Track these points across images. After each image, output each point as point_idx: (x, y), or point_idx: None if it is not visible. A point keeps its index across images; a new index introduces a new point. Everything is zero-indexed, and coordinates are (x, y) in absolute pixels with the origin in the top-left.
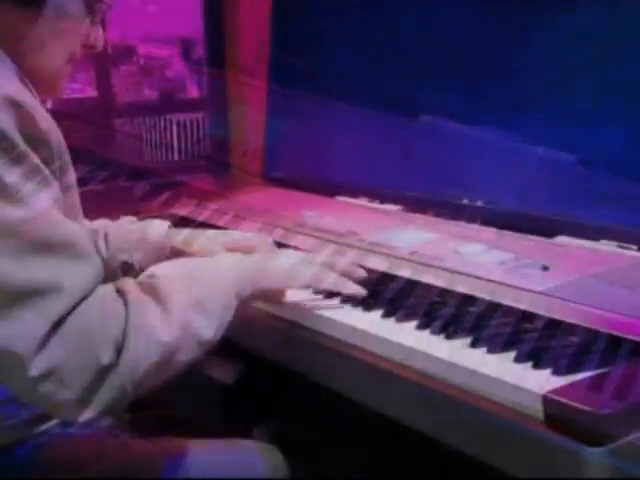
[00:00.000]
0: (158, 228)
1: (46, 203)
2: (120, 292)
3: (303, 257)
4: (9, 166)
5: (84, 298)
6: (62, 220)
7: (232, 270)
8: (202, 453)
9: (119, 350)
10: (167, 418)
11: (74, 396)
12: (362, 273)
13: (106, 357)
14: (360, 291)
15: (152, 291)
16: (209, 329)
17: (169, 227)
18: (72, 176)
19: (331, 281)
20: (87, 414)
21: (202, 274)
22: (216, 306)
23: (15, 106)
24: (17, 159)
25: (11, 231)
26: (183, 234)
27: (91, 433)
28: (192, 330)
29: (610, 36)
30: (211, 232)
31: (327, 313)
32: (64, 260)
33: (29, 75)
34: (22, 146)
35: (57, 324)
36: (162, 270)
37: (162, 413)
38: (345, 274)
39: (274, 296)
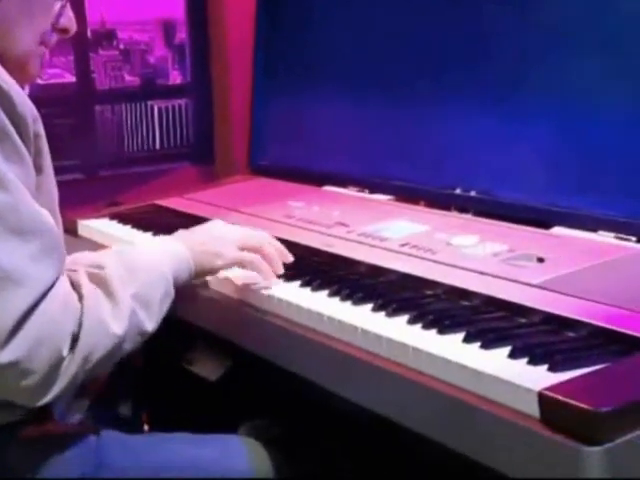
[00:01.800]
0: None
1: (24, 188)
2: (74, 285)
3: (238, 234)
4: None
5: (47, 292)
6: (36, 209)
7: (166, 260)
8: (184, 447)
9: (74, 341)
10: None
11: (34, 384)
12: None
13: (65, 348)
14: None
15: (102, 284)
16: (151, 320)
17: None
18: (48, 161)
19: (254, 261)
20: (43, 400)
21: (140, 265)
22: (155, 297)
23: None
24: (2, 140)
25: None
26: None
27: (65, 426)
28: (136, 322)
29: (611, 20)
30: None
31: (316, 308)
32: (34, 252)
33: (2, 63)
34: (8, 127)
35: (22, 318)
36: (107, 260)
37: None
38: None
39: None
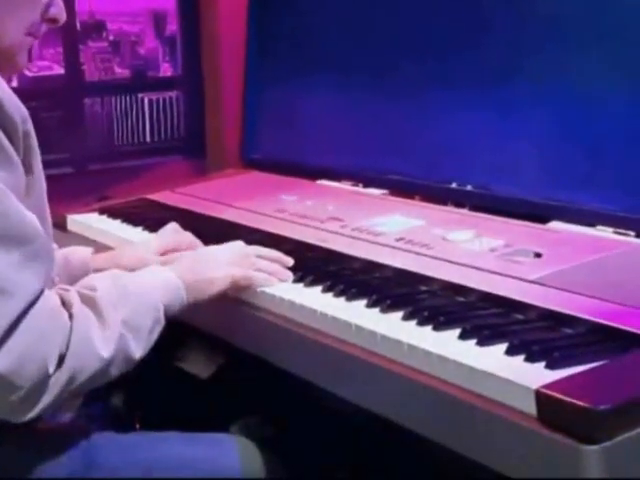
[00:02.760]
0: (81, 253)
1: (11, 194)
2: (65, 304)
3: (227, 254)
4: None
5: (34, 302)
6: (24, 215)
7: (158, 289)
8: (175, 446)
9: (61, 360)
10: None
11: (18, 400)
12: (287, 275)
13: (52, 365)
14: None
15: (92, 305)
16: (138, 347)
17: (92, 253)
18: (38, 160)
19: (250, 281)
20: (27, 416)
21: (132, 292)
22: (145, 325)
23: None
24: None
25: None
26: (108, 253)
27: (54, 425)
28: (124, 347)
29: (609, 11)
30: (139, 241)
31: (309, 304)
32: (20, 259)
33: None
34: None
35: (8, 329)
36: (100, 283)
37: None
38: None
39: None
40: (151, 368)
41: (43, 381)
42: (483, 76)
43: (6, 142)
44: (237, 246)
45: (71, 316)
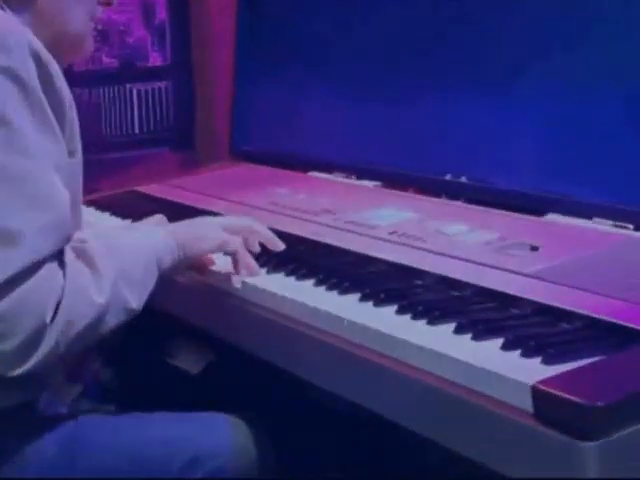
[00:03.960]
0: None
1: (49, 160)
2: (56, 256)
3: (219, 222)
4: (27, 113)
5: (41, 264)
6: (55, 184)
7: (148, 241)
8: (166, 424)
9: (56, 309)
10: None
11: (13, 349)
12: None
13: (48, 317)
14: (256, 271)
15: (84, 255)
16: (134, 296)
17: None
18: (79, 150)
19: (237, 247)
20: (21, 368)
21: (121, 244)
22: (137, 273)
23: (37, 58)
24: (34, 107)
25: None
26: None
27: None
28: (120, 295)
29: (604, 3)
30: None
31: (300, 298)
32: (41, 223)
33: (57, 44)
34: (43, 100)
35: (11, 279)
36: (89, 237)
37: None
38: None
39: (201, 265)
40: (140, 363)
41: (39, 331)
42: (478, 66)
43: (51, 114)
44: (233, 218)
45: (64, 267)
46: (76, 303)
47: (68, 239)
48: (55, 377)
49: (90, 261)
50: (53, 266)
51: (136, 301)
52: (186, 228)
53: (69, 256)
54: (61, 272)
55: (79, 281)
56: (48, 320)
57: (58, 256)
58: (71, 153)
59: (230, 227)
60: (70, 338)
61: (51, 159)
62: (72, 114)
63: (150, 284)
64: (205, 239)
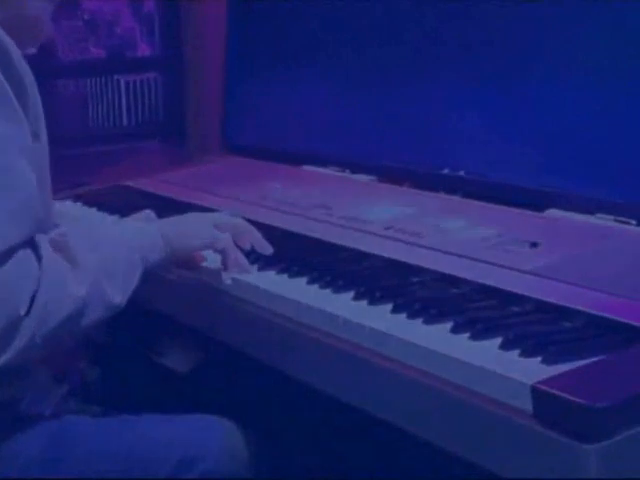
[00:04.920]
0: None
1: (9, 143)
2: (32, 247)
3: (209, 218)
4: None
5: (10, 253)
6: (18, 166)
7: (134, 236)
8: (156, 426)
9: (32, 301)
10: None
11: None
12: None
13: (23, 309)
14: (247, 268)
15: (63, 249)
16: (116, 290)
17: None
18: (44, 132)
19: (227, 244)
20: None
21: (103, 237)
22: (119, 268)
23: None
24: None
25: None
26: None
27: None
28: (100, 289)
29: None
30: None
31: (294, 296)
32: (3, 202)
33: (14, 28)
34: (1, 78)
35: None
36: (72, 229)
37: None
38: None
39: (190, 262)
40: (128, 362)
41: (14, 323)
42: (476, 59)
43: (12, 97)
44: (223, 215)
45: (39, 258)
46: (54, 296)
47: (38, 225)
48: (40, 376)
49: (69, 254)
50: (26, 256)
51: (119, 296)
52: (175, 224)
53: (46, 248)
54: (36, 264)
55: (57, 274)
56: (23, 312)
57: (32, 247)
58: (35, 136)
59: (220, 224)
60: (47, 331)
61: (14, 142)
62: (35, 97)
63: (134, 280)
64: (194, 236)
